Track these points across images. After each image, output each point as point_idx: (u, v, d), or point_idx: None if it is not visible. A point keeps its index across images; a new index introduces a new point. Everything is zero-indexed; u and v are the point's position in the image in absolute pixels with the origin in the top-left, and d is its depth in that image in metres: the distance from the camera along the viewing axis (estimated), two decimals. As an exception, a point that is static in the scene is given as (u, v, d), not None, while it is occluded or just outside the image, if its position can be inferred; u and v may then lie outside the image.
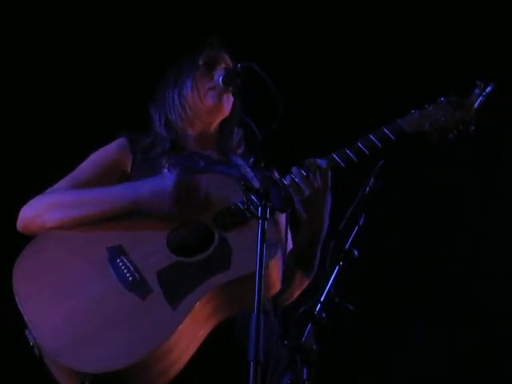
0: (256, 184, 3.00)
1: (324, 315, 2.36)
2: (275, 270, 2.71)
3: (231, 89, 2.88)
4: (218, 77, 2.97)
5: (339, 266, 2.44)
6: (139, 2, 4.44)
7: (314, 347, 2.33)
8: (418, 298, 4.56)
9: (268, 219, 2.62)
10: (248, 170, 3.11)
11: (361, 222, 2.52)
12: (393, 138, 2.87)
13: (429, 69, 4.40)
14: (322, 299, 2.38)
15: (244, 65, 2.78)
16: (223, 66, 3.12)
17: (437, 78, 4.24)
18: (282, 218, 2.85)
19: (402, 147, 2.89)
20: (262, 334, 2.31)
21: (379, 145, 2.86)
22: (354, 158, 2.86)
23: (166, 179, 2.87)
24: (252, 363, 2.29)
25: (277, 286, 2.72)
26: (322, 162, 2.87)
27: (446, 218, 4.58)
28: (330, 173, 2.86)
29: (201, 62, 3.14)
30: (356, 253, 2.47)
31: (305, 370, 2.32)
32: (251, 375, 2.28)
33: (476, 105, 2.85)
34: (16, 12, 4.35)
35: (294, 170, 2.86)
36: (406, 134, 2.88)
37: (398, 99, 3.43)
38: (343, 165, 2.86)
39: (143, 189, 2.88)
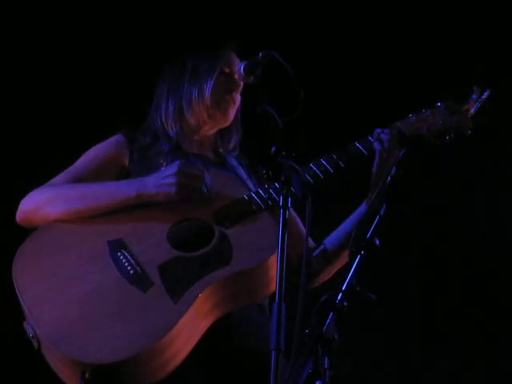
0: (251, 186, 3.07)
1: (345, 304, 2.36)
2: (273, 268, 2.71)
3: (253, 78, 2.88)
4: (240, 66, 2.97)
5: (361, 254, 2.44)
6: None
7: (336, 336, 2.33)
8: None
9: (267, 217, 2.76)
10: (242, 171, 3.16)
11: (382, 211, 2.51)
12: None
13: (426, 74, 4.43)
14: (343, 288, 2.38)
15: (265, 54, 2.78)
16: (238, 82, 3.15)
17: (434, 83, 4.27)
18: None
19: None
20: (283, 322, 2.30)
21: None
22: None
23: (170, 167, 2.89)
24: (273, 352, 2.28)
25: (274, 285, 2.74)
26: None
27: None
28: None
29: (225, 69, 3.16)
30: (377, 242, 2.46)
31: (326, 359, 2.31)
32: (272, 364, 2.27)
33: (473, 110, 2.93)
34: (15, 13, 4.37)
35: (378, 129, 2.95)
36: (404, 137, 2.93)
37: (395, 105, 3.48)
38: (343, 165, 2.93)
39: (147, 182, 2.89)
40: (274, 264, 2.70)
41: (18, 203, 3.00)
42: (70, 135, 4.25)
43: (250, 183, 3.11)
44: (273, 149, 2.59)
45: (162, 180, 2.87)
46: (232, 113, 3.18)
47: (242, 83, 3.16)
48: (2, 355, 4.28)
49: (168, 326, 2.64)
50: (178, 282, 2.72)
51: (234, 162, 3.20)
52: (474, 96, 2.94)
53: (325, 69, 4.49)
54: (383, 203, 2.51)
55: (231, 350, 2.83)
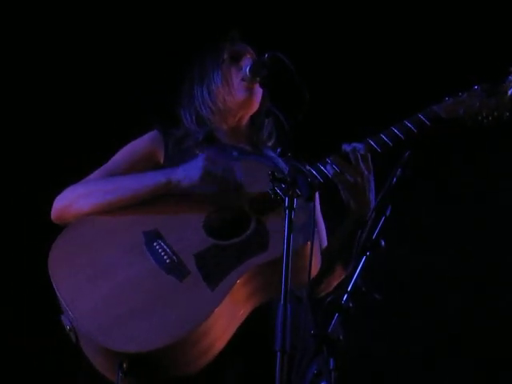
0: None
1: (351, 305, 2.36)
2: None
3: (258, 79, 2.89)
4: (246, 67, 2.97)
5: (366, 255, 2.44)
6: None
7: (341, 337, 2.33)
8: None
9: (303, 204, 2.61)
10: (280, 161, 3.09)
11: (387, 213, 2.51)
12: (428, 123, 2.89)
13: (461, 58, 4.40)
14: (348, 289, 2.38)
15: (271, 55, 2.79)
16: (249, 56, 3.12)
17: (469, 66, 4.22)
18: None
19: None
20: (289, 323, 2.31)
21: (415, 130, 2.88)
22: (390, 144, 2.88)
23: (198, 159, 2.89)
24: (278, 353, 2.30)
25: (312, 269, 2.70)
26: (360, 147, 2.88)
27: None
28: (369, 156, 2.88)
29: (226, 56, 3.14)
30: (383, 243, 2.46)
31: (331, 360, 2.31)
32: (277, 365, 2.29)
33: (510, 92, 2.87)
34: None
35: (335, 158, 2.87)
36: (441, 120, 2.89)
37: (429, 89, 3.44)
38: (379, 150, 2.89)
39: (176, 170, 2.90)
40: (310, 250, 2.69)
41: (51, 201, 3.04)
42: (105, 134, 4.29)
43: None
44: (278, 150, 2.59)
45: (189, 166, 2.88)
46: (255, 95, 3.12)
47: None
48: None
49: (205, 313, 2.63)
50: (214, 269, 2.72)
51: (271, 153, 3.17)
52: (511, 77, 2.89)
53: (344, 63, 4.51)
54: (389, 204, 2.51)
55: (268, 340, 2.78)
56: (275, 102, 2.72)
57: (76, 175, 3.10)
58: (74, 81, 4.46)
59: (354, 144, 2.88)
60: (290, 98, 2.62)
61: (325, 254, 2.96)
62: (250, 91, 3.09)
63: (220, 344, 2.69)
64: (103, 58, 4.46)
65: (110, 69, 4.45)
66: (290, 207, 2.45)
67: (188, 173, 2.86)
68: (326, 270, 2.97)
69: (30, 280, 2.86)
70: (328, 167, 2.87)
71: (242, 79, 3.07)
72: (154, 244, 2.82)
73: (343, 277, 3.02)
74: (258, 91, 3.12)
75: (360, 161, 2.85)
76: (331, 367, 2.31)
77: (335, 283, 3.03)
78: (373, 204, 2.90)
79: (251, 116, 3.21)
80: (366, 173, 2.86)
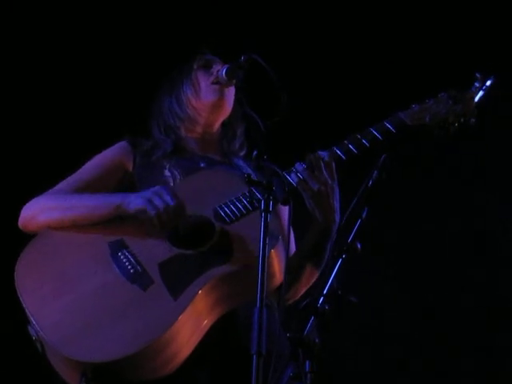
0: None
1: (327, 308, 2.36)
2: (276, 260, 2.72)
3: (234, 82, 2.88)
4: (222, 70, 2.97)
5: (342, 258, 2.44)
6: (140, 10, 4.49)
7: (317, 340, 2.33)
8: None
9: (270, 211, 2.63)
10: (250, 171, 3.09)
11: (363, 216, 2.51)
12: (393, 130, 2.89)
13: (428, 64, 4.43)
14: (324, 292, 2.38)
15: (247, 57, 2.78)
16: (219, 64, 3.11)
17: (436, 73, 4.26)
18: (284, 212, 2.86)
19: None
20: (264, 327, 2.31)
21: (380, 137, 2.88)
22: (355, 151, 2.87)
23: (148, 191, 2.86)
24: (254, 356, 2.29)
25: (278, 277, 2.74)
26: (324, 155, 2.87)
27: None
28: (334, 164, 2.87)
29: (195, 66, 3.14)
30: (359, 246, 2.47)
31: (307, 363, 2.32)
32: (253, 368, 2.28)
33: (476, 98, 2.88)
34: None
35: (298, 166, 2.85)
36: (406, 127, 2.89)
37: (397, 95, 3.46)
38: (344, 157, 2.87)
39: (133, 195, 2.89)
40: (275, 258, 2.71)
41: (20, 208, 3.04)
42: (76, 142, 4.30)
43: None
44: (254, 153, 2.59)
45: (139, 198, 2.85)
46: (225, 97, 3.10)
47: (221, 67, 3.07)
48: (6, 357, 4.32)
49: (168, 323, 2.64)
50: (177, 279, 2.73)
51: (241, 163, 3.16)
52: (477, 84, 2.89)
53: (321, 65, 4.52)
54: (365, 207, 2.51)
55: (237, 349, 2.77)
56: (252, 105, 2.72)
57: (49, 182, 3.10)
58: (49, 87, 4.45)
59: (319, 152, 2.87)
60: (267, 101, 2.62)
61: (292, 260, 2.95)
62: (219, 93, 3.07)
63: (185, 352, 2.70)
64: (90, 62, 4.48)
65: (97, 73, 4.46)
66: (266, 210, 2.46)
67: (135, 199, 2.84)
68: (293, 276, 2.96)
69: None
70: (292, 175, 2.85)
71: (214, 82, 3.06)
72: (119, 254, 2.83)
73: (313, 280, 3.01)
74: (230, 94, 3.11)
75: (323, 169, 2.84)
76: (307, 370, 2.31)
77: (303, 290, 3.02)
78: (338, 213, 2.89)
79: (223, 124, 3.20)
80: (329, 181, 2.84)
